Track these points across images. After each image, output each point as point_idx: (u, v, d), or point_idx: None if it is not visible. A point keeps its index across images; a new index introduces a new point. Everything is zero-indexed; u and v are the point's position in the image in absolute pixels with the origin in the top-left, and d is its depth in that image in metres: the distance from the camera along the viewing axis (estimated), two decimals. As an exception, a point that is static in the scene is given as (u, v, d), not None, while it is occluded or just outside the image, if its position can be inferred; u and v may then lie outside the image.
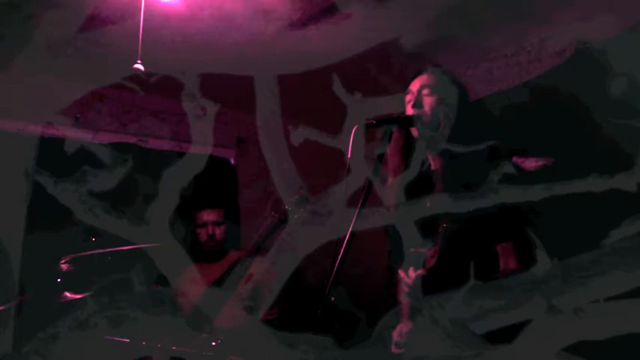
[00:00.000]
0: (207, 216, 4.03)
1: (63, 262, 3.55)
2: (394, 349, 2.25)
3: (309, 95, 3.92)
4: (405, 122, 2.47)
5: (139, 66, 3.18)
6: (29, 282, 3.99)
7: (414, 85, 2.49)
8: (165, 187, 2.35)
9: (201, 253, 4.05)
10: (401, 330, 2.25)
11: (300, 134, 2.32)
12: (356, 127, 2.31)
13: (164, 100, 5.00)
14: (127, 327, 2.47)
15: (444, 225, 2.23)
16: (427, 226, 2.31)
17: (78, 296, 3.47)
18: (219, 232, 4.03)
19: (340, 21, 2.91)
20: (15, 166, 3.48)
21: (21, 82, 3.35)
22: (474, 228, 2.27)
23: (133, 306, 2.45)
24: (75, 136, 4.68)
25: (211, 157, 5.30)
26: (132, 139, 5.23)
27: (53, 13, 2.80)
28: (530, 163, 2.35)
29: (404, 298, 2.38)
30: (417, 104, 2.44)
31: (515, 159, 2.27)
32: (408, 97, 2.49)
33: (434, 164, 2.48)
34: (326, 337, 2.43)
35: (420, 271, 2.25)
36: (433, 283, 2.21)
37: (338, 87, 2.27)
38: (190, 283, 3.73)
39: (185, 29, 3.33)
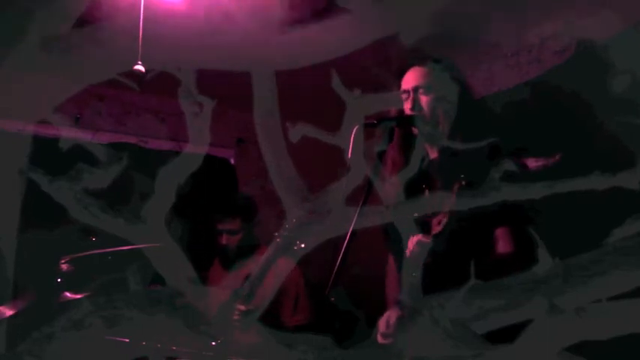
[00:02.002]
0: (222, 225, 4.00)
1: (63, 262, 3.54)
2: (380, 340, 2.20)
3: (308, 92, 3.91)
4: (405, 120, 2.46)
5: (139, 67, 3.17)
6: (25, 281, 3.98)
7: (408, 83, 2.46)
8: (161, 186, 2.33)
9: (225, 258, 4.03)
10: (388, 319, 2.21)
11: (299, 132, 2.30)
12: (357, 126, 2.29)
13: (164, 100, 5.00)
14: (123, 327, 2.46)
15: (463, 181, 2.12)
16: (427, 224, 2.29)
17: (77, 296, 3.46)
18: (232, 240, 4.00)
19: (339, 17, 2.91)
20: (9, 164, 3.47)
21: (15, 80, 3.33)
22: (475, 226, 2.26)
23: (129, 306, 2.43)
24: (73, 135, 4.68)
25: (211, 157, 5.31)
26: (132, 139, 5.23)
27: (48, 8, 2.79)
28: (531, 163, 2.33)
29: (395, 288, 2.36)
30: (416, 105, 2.42)
31: (520, 160, 2.25)
32: (404, 97, 2.46)
33: (434, 162, 2.46)
34: (325, 337, 2.42)
35: (423, 238, 2.19)
36: (433, 280, 2.18)
37: (337, 83, 2.25)
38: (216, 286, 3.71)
39: (182, 27, 3.32)
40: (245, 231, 3.99)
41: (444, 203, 2.12)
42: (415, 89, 2.43)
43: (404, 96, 2.46)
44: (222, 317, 3.22)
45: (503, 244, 2.25)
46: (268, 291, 3.50)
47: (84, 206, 2.23)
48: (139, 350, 2.76)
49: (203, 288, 2.92)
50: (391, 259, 2.61)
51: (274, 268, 3.37)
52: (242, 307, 3.29)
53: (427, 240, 2.17)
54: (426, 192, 2.40)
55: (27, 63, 3.10)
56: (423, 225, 2.23)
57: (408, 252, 2.24)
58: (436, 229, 2.16)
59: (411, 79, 2.46)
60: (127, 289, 2.79)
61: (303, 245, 2.65)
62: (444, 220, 2.13)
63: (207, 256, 4.08)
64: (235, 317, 3.27)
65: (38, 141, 4.19)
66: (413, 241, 2.23)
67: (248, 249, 3.91)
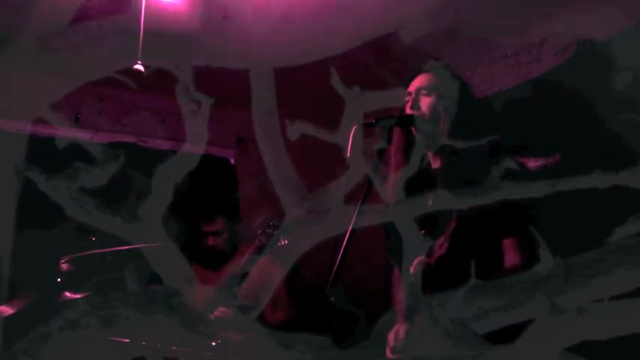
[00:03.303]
0: (208, 227, 4.01)
1: (62, 262, 3.53)
2: (390, 354, 2.19)
3: (307, 89, 3.90)
4: (404, 120, 2.46)
5: (138, 67, 3.16)
6: (21, 281, 3.96)
7: (412, 86, 2.49)
8: (159, 185, 2.31)
9: (208, 257, 4.03)
10: (397, 333, 2.20)
11: (297, 129, 2.28)
12: (355, 126, 2.29)
13: (164, 100, 4.99)
14: (120, 327, 2.43)
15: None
16: (428, 223, 2.28)
17: (75, 296, 3.45)
18: (219, 241, 4.00)
19: (338, 13, 2.90)
20: (5, 163, 3.45)
21: (11, 78, 3.32)
22: (475, 225, 2.25)
23: (125, 305, 2.41)
24: (73, 135, 4.67)
25: (211, 157, 5.30)
26: (131, 139, 5.23)
27: (44, 5, 2.77)
28: (531, 163, 2.32)
29: (401, 298, 2.35)
30: (415, 106, 2.43)
31: (521, 158, 2.24)
32: (406, 99, 2.48)
33: (434, 160, 2.46)
34: (324, 337, 2.40)
35: (423, 259, 2.19)
36: (439, 278, 2.17)
37: (336, 80, 2.24)
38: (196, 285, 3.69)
39: (181, 24, 3.31)
40: (229, 230, 4.00)
41: (445, 222, 2.13)
42: (417, 91, 2.44)
43: (407, 98, 2.48)
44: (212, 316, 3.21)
45: (511, 257, 2.24)
46: (257, 290, 3.50)
47: (80, 205, 2.21)
48: (136, 350, 2.74)
49: (200, 287, 2.90)
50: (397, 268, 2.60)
51: (257, 267, 3.36)
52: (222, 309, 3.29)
53: (429, 260, 2.19)
54: (427, 191, 2.39)
55: (23, 61, 3.09)
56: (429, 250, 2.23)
57: (411, 271, 2.24)
58: (439, 251, 2.17)
59: (414, 82, 2.48)
60: (124, 289, 2.78)
61: (286, 242, 2.65)
62: (445, 245, 2.15)
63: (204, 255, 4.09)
64: (217, 314, 3.27)
65: (36, 140, 4.19)
66: (414, 264, 2.23)
67: (232, 248, 3.92)
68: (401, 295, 2.46)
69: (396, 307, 2.50)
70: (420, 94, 2.46)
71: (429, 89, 2.45)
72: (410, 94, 2.48)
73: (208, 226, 4.06)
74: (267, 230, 3.31)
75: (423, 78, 2.50)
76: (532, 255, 2.06)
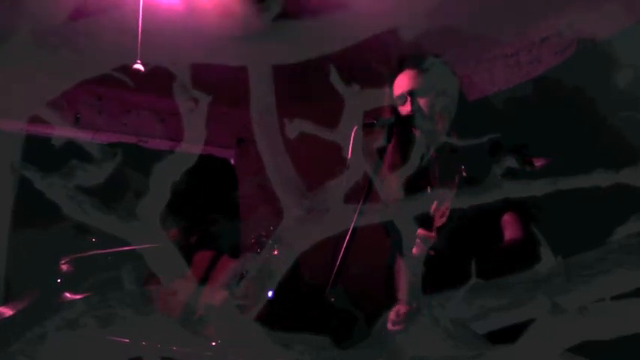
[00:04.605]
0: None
1: (62, 262, 3.52)
2: (389, 327, 2.19)
3: (306, 87, 3.88)
4: (404, 119, 2.45)
5: (138, 66, 3.15)
6: (16, 280, 3.95)
7: (404, 87, 2.46)
8: (156, 183, 2.30)
9: None
10: (399, 310, 2.19)
11: (296, 127, 2.27)
12: (356, 127, 2.28)
13: (164, 100, 4.97)
14: (118, 327, 2.43)
15: (463, 172, 2.10)
16: (427, 222, 2.26)
17: (73, 297, 3.43)
18: None
19: (337, 10, 2.89)
20: (1, 162, 3.45)
21: (7, 76, 3.31)
22: (476, 224, 2.23)
23: (122, 305, 2.40)
24: (73, 134, 4.66)
25: (211, 157, 5.29)
26: (132, 139, 5.22)
27: (40, 1, 2.77)
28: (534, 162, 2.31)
29: (403, 282, 2.35)
30: (414, 107, 2.42)
31: (522, 156, 2.22)
32: (400, 101, 2.46)
33: (434, 159, 2.44)
34: (324, 337, 2.39)
35: (426, 233, 2.16)
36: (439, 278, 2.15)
37: (335, 78, 2.22)
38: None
39: (179, 22, 3.31)
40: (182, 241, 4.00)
41: (445, 195, 2.09)
42: (411, 93, 2.43)
43: (399, 100, 2.46)
44: (217, 317, 3.20)
45: (511, 231, 2.23)
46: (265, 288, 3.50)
47: (77, 204, 2.20)
48: (134, 350, 2.73)
49: (199, 287, 2.90)
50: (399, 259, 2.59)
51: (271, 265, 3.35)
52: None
53: (431, 235, 2.15)
54: (427, 189, 2.38)
55: (19, 59, 3.08)
56: (425, 220, 2.20)
57: (413, 249, 2.22)
58: (439, 221, 2.13)
59: (405, 83, 2.46)
60: (122, 288, 2.77)
61: (275, 252, 2.66)
62: (447, 212, 2.11)
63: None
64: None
65: (33, 139, 4.17)
66: (416, 238, 2.21)
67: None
68: (402, 293, 2.46)
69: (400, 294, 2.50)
70: (418, 92, 2.44)
71: (425, 88, 2.44)
72: (403, 95, 2.46)
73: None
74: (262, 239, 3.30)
75: (415, 78, 2.47)
76: (535, 249, 2.05)
